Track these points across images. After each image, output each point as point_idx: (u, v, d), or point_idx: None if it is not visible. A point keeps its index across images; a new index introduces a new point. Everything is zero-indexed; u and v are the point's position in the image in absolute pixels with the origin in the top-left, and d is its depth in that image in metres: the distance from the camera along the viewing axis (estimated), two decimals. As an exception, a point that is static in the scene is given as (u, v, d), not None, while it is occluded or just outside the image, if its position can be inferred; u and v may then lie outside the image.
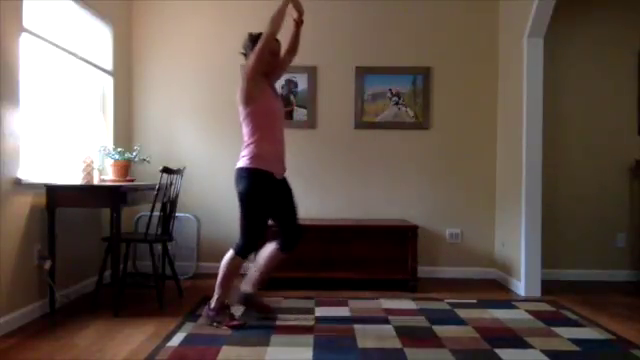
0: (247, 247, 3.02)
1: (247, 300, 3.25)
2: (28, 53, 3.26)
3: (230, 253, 3.03)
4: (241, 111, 3.05)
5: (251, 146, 3.01)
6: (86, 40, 4.03)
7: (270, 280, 4.17)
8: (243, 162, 3.00)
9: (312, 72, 4.76)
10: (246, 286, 3.25)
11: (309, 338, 2.91)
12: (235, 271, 3.04)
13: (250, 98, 2.99)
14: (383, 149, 4.75)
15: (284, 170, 3.15)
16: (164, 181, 3.53)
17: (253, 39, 3.10)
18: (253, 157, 2.98)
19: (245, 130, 3.06)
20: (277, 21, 2.97)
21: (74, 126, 3.89)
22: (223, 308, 3.10)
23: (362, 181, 4.74)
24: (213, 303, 3.09)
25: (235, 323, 3.05)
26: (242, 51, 3.19)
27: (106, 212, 3.96)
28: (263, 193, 2.99)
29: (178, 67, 4.77)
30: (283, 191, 3.15)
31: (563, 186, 4.66)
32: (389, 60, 4.71)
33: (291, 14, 3.09)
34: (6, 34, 2.98)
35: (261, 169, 2.98)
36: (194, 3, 4.76)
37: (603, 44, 4.66)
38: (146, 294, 3.83)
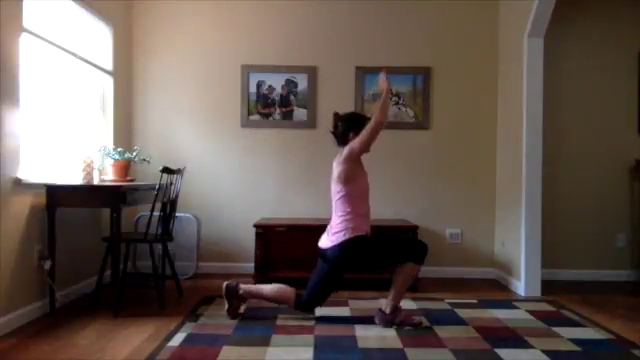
0: (310, 304, 3.24)
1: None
2: (28, 53, 3.26)
3: (290, 303, 3.25)
4: (339, 189, 3.15)
5: (346, 222, 3.12)
6: (86, 40, 4.03)
7: (270, 280, 4.17)
8: (338, 238, 3.11)
9: (312, 72, 4.76)
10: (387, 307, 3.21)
11: (309, 338, 2.90)
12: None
13: (352, 179, 3.13)
14: (383, 149, 4.74)
15: (370, 229, 3.24)
16: (164, 181, 3.53)
17: (353, 120, 3.24)
18: (348, 229, 3.11)
19: (340, 205, 3.16)
20: (386, 111, 3.13)
21: (74, 126, 3.89)
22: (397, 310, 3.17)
23: (362, 181, 4.74)
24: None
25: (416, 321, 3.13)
26: (332, 130, 3.28)
27: (106, 212, 3.95)
28: (355, 259, 3.16)
29: (178, 67, 4.77)
30: (376, 238, 3.23)
31: (563, 186, 4.66)
32: (389, 60, 4.71)
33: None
34: (6, 34, 2.98)
35: (357, 235, 3.12)
36: (194, 3, 4.76)
37: (603, 44, 4.66)
38: (146, 294, 3.83)
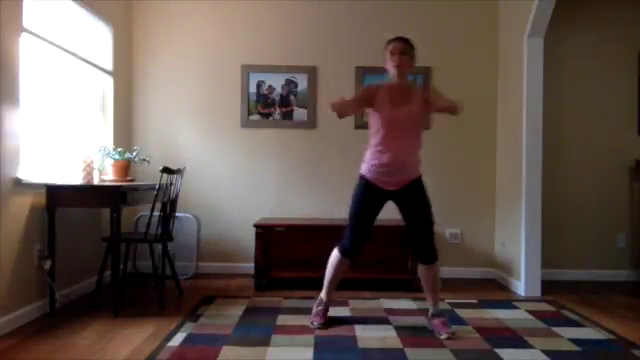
0: (345, 242, 3.14)
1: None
2: (28, 53, 3.26)
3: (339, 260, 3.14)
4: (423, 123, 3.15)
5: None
6: (86, 40, 4.03)
7: (270, 280, 4.18)
8: (420, 169, 3.10)
9: (312, 72, 4.76)
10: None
11: (309, 338, 2.90)
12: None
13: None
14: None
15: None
16: (164, 181, 3.53)
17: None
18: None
19: (420, 138, 3.10)
20: (449, 110, 3.04)
21: (74, 126, 3.89)
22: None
23: (362, 181, 4.74)
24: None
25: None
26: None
27: (106, 212, 3.95)
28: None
29: (178, 67, 4.77)
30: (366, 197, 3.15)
31: (563, 186, 4.66)
32: (389, 60, 4.71)
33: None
34: (6, 34, 2.98)
35: (360, 174, 3.10)
36: (194, 3, 4.76)
37: (603, 44, 4.66)
38: (146, 294, 3.83)
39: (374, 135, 3.05)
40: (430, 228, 3.06)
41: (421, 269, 3.10)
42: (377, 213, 3.09)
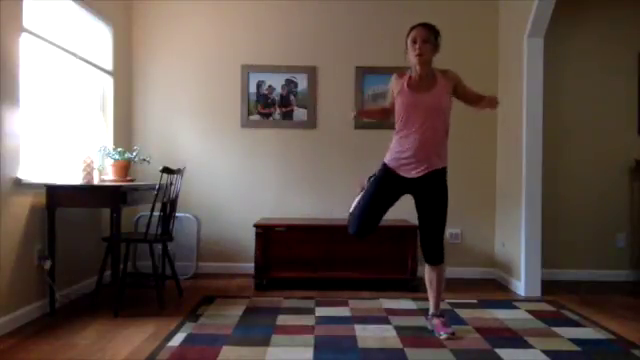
0: (351, 226, 3.05)
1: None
2: (28, 53, 3.26)
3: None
4: (449, 109, 3.01)
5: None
6: (86, 40, 4.03)
7: (270, 280, 4.18)
8: (446, 160, 2.99)
9: (312, 72, 4.76)
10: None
11: (309, 338, 2.90)
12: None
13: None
14: (383, 149, 4.70)
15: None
16: (164, 181, 3.53)
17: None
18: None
19: (447, 125, 2.99)
20: (481, 104, 3.01)
21: (74, 126, 3.89)
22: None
23: (362, 181, 4.74)
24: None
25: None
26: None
27: (106, 212, 3.95)
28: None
29: (178, 67, 4.77)
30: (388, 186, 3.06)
31: (563, 186, 4.66)
32: (389, 60, 4.70)
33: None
34: (6, 34, 2.98)
35: (384, 162, 3.04)
36: (194, 3, 4.76)
37: (603, 44, 4.66)
38: (146, 294, 3.83)
39: (398, 123, 2.96)
40: (442, 228, 2.98)
41: (427, 269, 3.06)
42: (390, 205, 2.98)
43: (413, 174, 2.91)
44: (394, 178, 2.95)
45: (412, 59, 2.92)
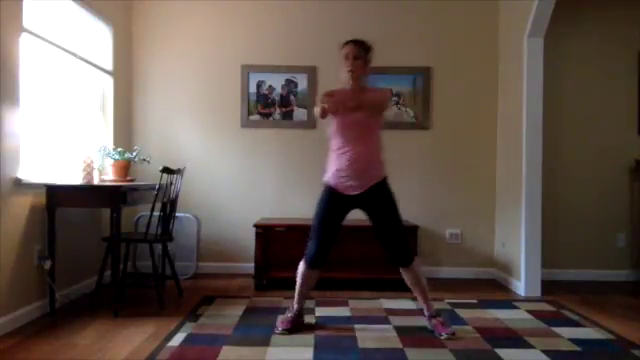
0: (307, 253, 3.08)
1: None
2: (28, 53, 3.26)
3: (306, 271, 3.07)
4: (380, 124, 3.05)
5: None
6: (86, 40, 4.03)
7: (270, 280, 4.18)
8: (385, 170, 3.04)
9: (312, 72, 4.76)
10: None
11: (309, 338, 2.90)
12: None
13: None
14: (383, 149, 4.74)
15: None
16: (164, 181, 3.53)
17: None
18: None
19: (379, 139, 3.05)
20: (378, 109, 3.03)
21: (74, 126, 3.89)
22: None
23: (362, 181, 4.74)
24: None
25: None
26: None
27: (106, 212, 3.95)
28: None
29: (178, 67, 4.77)
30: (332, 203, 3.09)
31: (563, 186, 4.66)
32: (389, 60, 4.70)
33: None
34: (6, 34, 2.98)
35: (325, 182, 3.07)
36: (194, 3, 4.76)
37: (603, 44, 4.66)
38: (146, 294, 3.83)
39: (333, 140, 3.02)
40: (400, 229, 3.01)
41: (402, 272, 3.07)
42: (342, 221, 3.04)
43: (356, 192, 2.95)
44: (338, 197, 2.99)
45: (344, 74, 2.99)
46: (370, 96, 2.99)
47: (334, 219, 3.01)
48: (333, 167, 2.99)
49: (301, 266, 3.09)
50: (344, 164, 2.94)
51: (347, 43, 3.01)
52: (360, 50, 2.98)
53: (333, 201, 3.00)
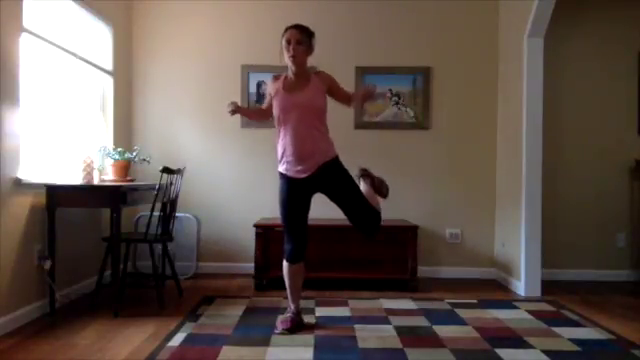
0: (286, 248, 3.08)
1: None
2: (28, 53, 3.26)
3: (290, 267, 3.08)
4: (323, 108, 3.06)
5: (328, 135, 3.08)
6: (86, 40, 4.03)
7: (270, 280, 4.18)
8: (334, 150, 3.06)
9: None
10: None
11: (309, 338, 2.91)
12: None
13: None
14: (383, 149, 4.75)
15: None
16: (164, 181, 3.53)
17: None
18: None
19: (323, 123, 3.07)
20: (354, 104, 3.21)
21: (74, 126, 3.89)
22: None
23: (362, 181, 4.74)
24: None
25: None
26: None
27: (106, 212, 3.95)
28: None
29: (178, 67, 4.77)
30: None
31: (563, 186, 4.66)
32: (389, 60, 4.71)
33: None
34: (6, 34, 2.98)
35: (279, 171, 3.11)
36: (194, 3, 4.76)
37: (603, 44, 4.66)
38: (146, 294, 3.83)
39: (277, 125, 3.03)
40: (362, 202, 3.00)
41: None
42: (307, 209, 3.04)
43: (306, 174, 2.95)
44: (292, 183, 2.99)
45: (287, 60, 2.97)
46: (308, 91, 2.98)
47: (297, 207, 3.00)
48: (281, 152, 3.01)
49: (284, 264, 3.10)
50: (288, 149, 2.95)
51: (289, 28, 2.97)
52: (303, 35, 2.94)
53: (289, 189, 2.99)
